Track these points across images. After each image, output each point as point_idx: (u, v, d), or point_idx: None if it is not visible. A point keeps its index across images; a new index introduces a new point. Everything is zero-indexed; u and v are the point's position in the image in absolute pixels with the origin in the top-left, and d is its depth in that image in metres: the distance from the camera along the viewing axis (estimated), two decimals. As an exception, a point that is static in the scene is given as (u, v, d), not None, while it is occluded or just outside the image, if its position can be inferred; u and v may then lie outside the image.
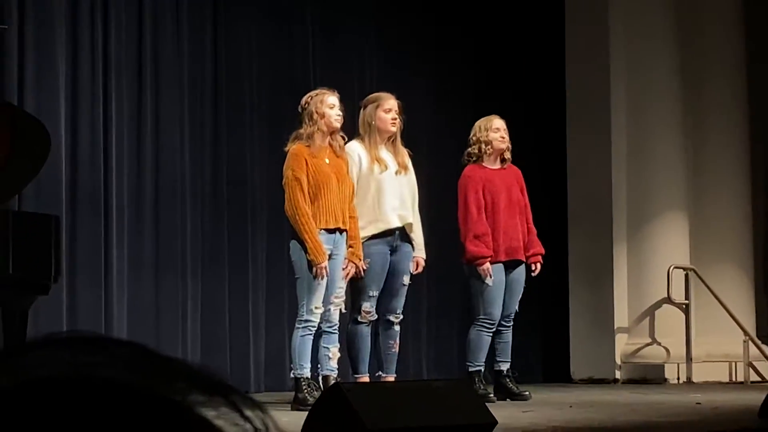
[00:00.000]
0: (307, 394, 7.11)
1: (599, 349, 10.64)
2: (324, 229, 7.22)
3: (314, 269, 7.14)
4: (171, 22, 9.17)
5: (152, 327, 8.71)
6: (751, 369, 10.44)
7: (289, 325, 8.31)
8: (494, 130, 8.11)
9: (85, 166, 8.60)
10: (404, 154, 7.67)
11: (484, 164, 8.13)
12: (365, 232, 7.46)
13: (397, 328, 7.63)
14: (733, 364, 10.61)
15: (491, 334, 8.07)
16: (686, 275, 10.58)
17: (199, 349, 9.02)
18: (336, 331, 7.35)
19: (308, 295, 7.20)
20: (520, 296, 8.15)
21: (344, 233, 7.32)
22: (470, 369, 8.04)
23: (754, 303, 11.00)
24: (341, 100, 7.38)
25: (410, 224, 7.60)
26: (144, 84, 8.97)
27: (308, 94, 7.39)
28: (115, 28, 8.82)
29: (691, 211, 10.84)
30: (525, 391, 8.09)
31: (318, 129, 7.24)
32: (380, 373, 7.61)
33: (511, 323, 8.15)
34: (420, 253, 7.70)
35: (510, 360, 8.18)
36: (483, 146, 8.10)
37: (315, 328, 7.24)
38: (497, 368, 8.19)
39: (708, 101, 10.95)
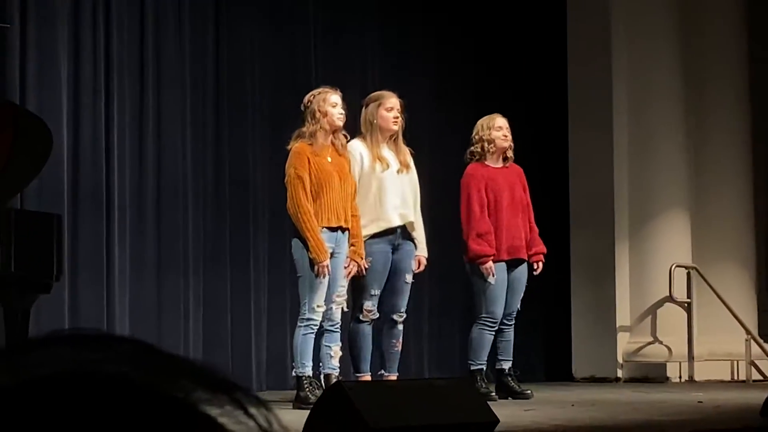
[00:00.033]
0: (309, 393, 7.11)
1: (601, 347, 10.64)
2: (326, 228, 7.22)
3: (316, 268, 7.13)
4: (173, 21, 9.17)
5: (154, 326, 8.71)
6: (753, 367, 10.44)
7: (291, 323, 8.31)
8: (497, 129, 8.11)
9: (87, 164, 8.60)
10: (406, 152, 7.67)
11: (486, 163, 8.13)
12: (367, 231, 7.46)
13: (400, 327, 7.63)
14: (735, 362, 10.61)
15: (493, 333, 8.07)
16: (688, 274, 10.58)
17: (200, 348, 9.02)
18: (338, 330, 7.35)
19: (310, 294, 7.20)
20: (522, 295, 8.15)
21: (346, 232, 7.32)
22: (472, 367, 8.04)
23: (756, 301, 11.00)
24: (343, 99, 7.38)
25: (411, 223, 7.60)
26: (146, 83, 8.97)
27: (311, 93, 7.39)
28: (117, 28, 8.82)
29: (693, 209, 10.84)
30: (527, 390, 8.09)
31: (320, 127, 7.24)
32: (382, 371, 7.61)
33: (513, 322, 8.15)
34: (422, 251, 7.70)
35: (512, 359, 8.18)
36: (486, 145, 8.10)
37: (317, 327, 7.24)
38: (499, 367, 8.18)
39: (710, 100, 10.95)
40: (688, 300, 10.53)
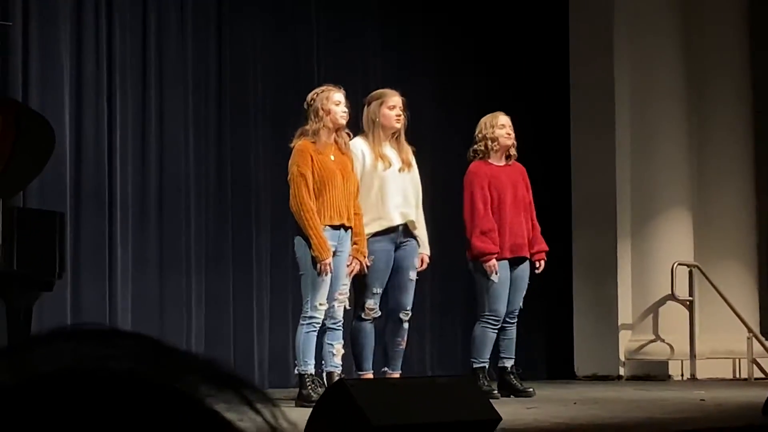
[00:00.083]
0: (311, 391, 7.11)
1: (603, 345, 10.65)
2: (328, 226, 7.22)
3: (318, 266, 7.14)
4: (175, 20, 9.17)
5: (156, 324, 8.71)
6: (754, 366, 10.44)
7: (294, 321, 8.32)
8: (500, 127, 8.11)
9: (90, 162, 8.60)
10: (408, 151, 7.67)
11: (490, 161, 8.13)
12: (369, 229, 7.46)
13: (406, 326, 7.62)
14: (737, 360, 10.61)
15: (496, 331, 8.07)
16: (690, 272, 10.58)
17: (203, 346, 9.02)
18: (340, 328, 7.35)
19: (312, 292, 7.20)
20: (525, 293, 8.15)
21: (349, 230, 7.32)
22: (474, 365, 8.04)
23: (758, 300, 11.00)
24: (346, 97, 7.38)
25: (413, 221, 7.60)
26: (148, 82, 8.97)
27: (314, 91, 7.39)
28: (119, 26, 8.82)
29: (695, 208, 10.84)
30: (529, 388, 8.09)
31: (324, 125, 7.24)
32: (386, 369, 7.61)
33: (516, 320, 8.15)
34: (424, 249, 7.70)
35: (514, 357, 8.18)
36: (489, 143, 8.09)
37: (319, 325, 7.24)
38: (501, 365, 8.18)
39: (712, 99, 10.95)
40: (690, 298, 10.53)
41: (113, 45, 8.78)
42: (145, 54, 8.98)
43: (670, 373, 10.48)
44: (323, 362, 7.34)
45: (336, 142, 7.31)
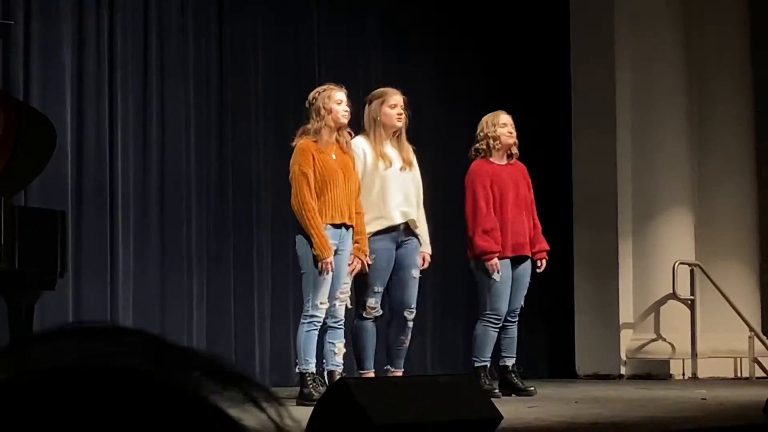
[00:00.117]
0: (312, 389, 7.11)
1: (604, 344, 10.65)
2: (330, 225, 7.22)
3: (320, 264, 7.14)
4: (176, 17, 9.18)
5: (157, 323, 8.71)
6: (756, 365, 10.44)
7: (295, 320, 8.32)
8: (501, 125, 8.11)
9: (91, 161, 8.61)
10: (409, 150, 7.67)
11: (491, 160, 8.13)
12: (370, 228, 7.45)
13: (410, 324, 7.62)
14: (739, 359, 10.61)
15: (497, 330, 8.07)
16: (691, 271, 10.58)
17: (204, 345, 9.02)
18: (341, 327, 7.35)
19: (313, 290, 7.20)
20: (526, 292, 8.15)
21: (350, 229, 7.32)
22: (476, 364, 8.04)
23: (759, 299, 10.99)
24: (348, 96, 7.38)
25: (413, 220, 7.60)
26: (150, 80, 8.97)
27: (316, 90, 7.39)
28: (120, 25, 8.83)
29: (696, 207, 10.84)
30: (530, 387, 8.09)
31: (325, 124, 7.24)
32: (388, 366, 7.61)
33: (517, 319, 8.16)
34: (426, 248, 7.70)
35: (515, 355, 8.18)
36: (491, 141, 8.09)
37: (320, 323, 7.24)
38: (502, 364, 8.18)
39: (713, 99, 10.95)
40: (692, 297, 10.53)
41: (114, 44, 8.78)
42: (147, 53, 8.98)
43: (672, 372, 10.48)
44: (324, 361, 7.34)
45: (337, 141, 7.31)
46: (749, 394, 7.58)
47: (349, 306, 7.46)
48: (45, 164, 6.78)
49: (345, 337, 7.40)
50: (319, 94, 7.31)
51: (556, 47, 11.10)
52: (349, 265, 7.33)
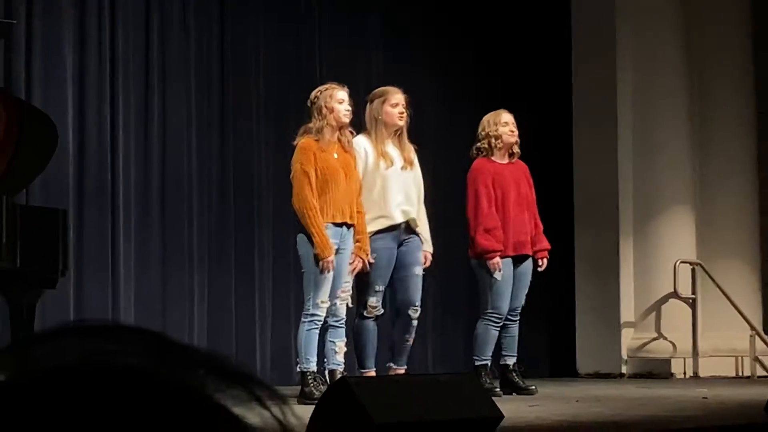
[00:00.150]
0: (313, 388, 7.11)
1: (605, 343, 10.65)
2: (331, 223, 7.22)
3: (321, 263, 7.14)
4: (178, 16, 9.18)
5: (159, 322, 8.72)
6: (757, 363, 10.44)
7: (296, 319, 8.32)
8: (503, 124, 8.11)
9: (92, 160, 8.61)
10: (410, 149, 7.67)
11: (493, 158, 8.13)
12: (371, 227, 7.46)
13: (415, 322, 7.61)
14: (740, 358, 10.61)
15: (499, 329, 8.07)
16: (693, 270, 10.59)
17: (205, 344, 9.02)
18: (342, 326, 7.35)
19: (314, 289, 7.20)
20: (527, 291, 8.15)
21: (351, 228, 7.32)
22: (477, 363, 8.04)
23: (761, 297, 11.00)
24: (349, 95, 7.38)
25: (414, 219, 7.60)
26: (151, 79, 8.98)
27: (317, 89, 7.39)
28: (122, 25, 8.83)
29: (697, 205, 10.84)
30: (531, 386, 8.09)
31: (327, 123, 7.24)
32: (391, 364, 7.61)
33: (518, 317, 8.15)
34: (427, 247, 7.70)
35: (516, 354, 8.18)
36: (493, 140, 8.09)
37: (321, 322, 7.24)
38: (503, 362, 8.18)
39: (714, 99, 10.95)
40: (693, 296, 10.53)
41: (116, 43, 8.79)
42: (148, 52, 8.99)
43: (673, 371, 10.48)
44: (325, 360, 7.34)
45: (339, 140, 7.31)
46: (750, 393, 7.58)
47: (350, 305, 7.46)
48: (46, 163, 6.78)
49: (346, 336, 7.40)
50: (320, 93, 7.31)
51: (557, 47, 11.10)
52: (351, 264, 7.33)
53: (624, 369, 10.67)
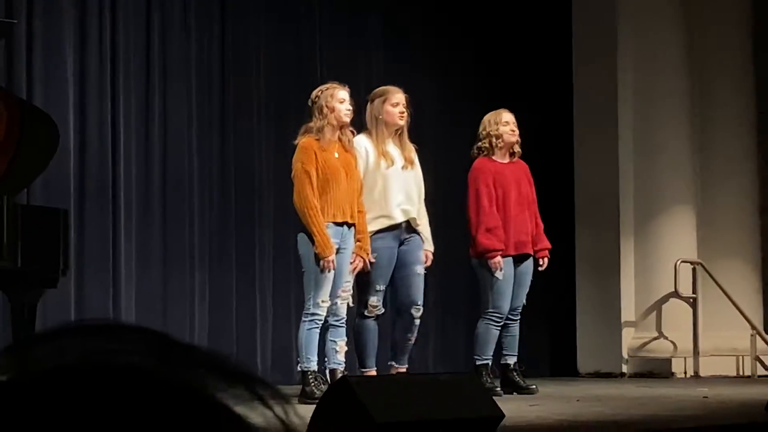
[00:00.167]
0: (314, 388, 7.11)
1: (606, 343, 10.65)
2: (332, 223, 7.22)
3: (321, 262, 7.14)
4: (179, 16, 9.18)
5: (160, 321, 8.72)
6: (758, 363, 10.45)
7: (296, 318, 8.32)
8: (504, 124, 8.11)
9: (94, 159, 8.61)
10: (411, 148, 7.67)
11: (493, 158, 8.13)
12: (371, 227, 7.45)
13: (417, 321, 7.60)
14: (741, 358, 10.61)
15: (499, 328, 8.07)
16: (693, 269, 10.58)
17: (206, 343, 9.02)
18: (343, 325, 7.35)
19: (315, 289, 7.20)
20: (528, 290, 8.15)
21: (352, 227, 7.32)
22: (478, 362, 8.04)
23: (761, 297, 11.00)
24: (350, 95, 7.38)
25: (414, 219, 7.60)
26: (152, 78, 8.98)
27: (318, 88, 7.39)
28: (123, 24, 8.83)
29: (698, 205, 10.84)
30: (532, 385, 8.09)
31: (328, 123, 7.24)
32: (392, 363, 7.61)
33: (519, 317, 8.15)
34: (428, 246, 7.70)
35: (517, 354, 8.18)
36: (494, 140, 8.09)
37: (322, 322, 7.24)
38: (504, 362, 8.18)
39: (715, 99, 10.95)
40: (694, 295, 10.53)
41: (117, 43, 8.79)
42: (149, 52, 8.99)
43: (673, 370, 10.48)
44: (326, 359, 7.34)
45: (340, 139, 7.31)
46: (751, 392, 7.58)
47: (351, 305, 7.46)
48: (47, 163, 6.78)
49: (347, 336, 7.40)
50: (321, 93, 7.31)
51: (559, 47, 11.10)
52: (351, 263, 7.33)
53: (625, 368, 10.67)
